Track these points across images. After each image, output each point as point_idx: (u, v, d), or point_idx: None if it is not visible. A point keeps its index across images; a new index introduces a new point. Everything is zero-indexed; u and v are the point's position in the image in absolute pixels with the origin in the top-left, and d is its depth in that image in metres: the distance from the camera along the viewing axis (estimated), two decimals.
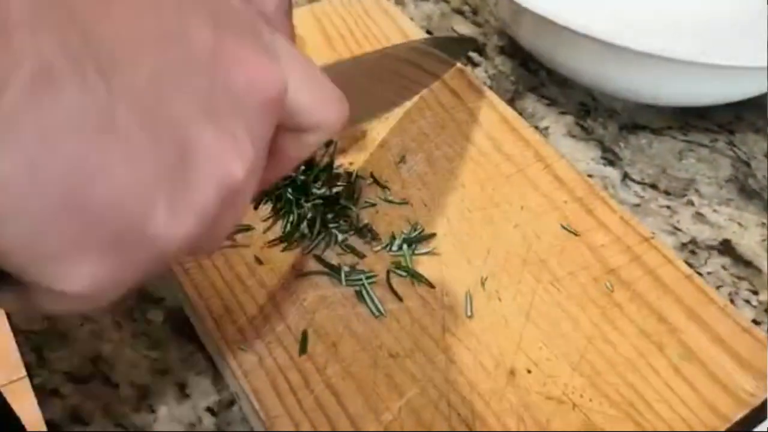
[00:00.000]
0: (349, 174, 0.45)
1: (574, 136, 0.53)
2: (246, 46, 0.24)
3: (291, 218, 0.42)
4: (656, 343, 0.38)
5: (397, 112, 0.49)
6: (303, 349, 0.37)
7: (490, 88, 0.56)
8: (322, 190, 0.43)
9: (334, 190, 0.43)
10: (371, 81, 0.41)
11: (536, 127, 0.53)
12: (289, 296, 0.39)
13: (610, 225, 0.43)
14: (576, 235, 0.43)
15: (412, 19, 0.62)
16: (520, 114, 0.54)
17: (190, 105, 0.23)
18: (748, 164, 0.52)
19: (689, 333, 0.38)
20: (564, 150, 0.52)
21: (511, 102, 0.55)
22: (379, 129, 0.48)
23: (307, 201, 0.42)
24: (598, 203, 0.44)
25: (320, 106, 0.28)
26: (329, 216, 0.42)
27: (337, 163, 0.46)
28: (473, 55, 0.59)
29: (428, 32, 0.61)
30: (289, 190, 0.43)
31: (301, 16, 0.56)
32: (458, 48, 0.54)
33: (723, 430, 0.35)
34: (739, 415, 0.35)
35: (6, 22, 0.19)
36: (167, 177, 0.22)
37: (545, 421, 0.35)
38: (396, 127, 0.48)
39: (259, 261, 0.40)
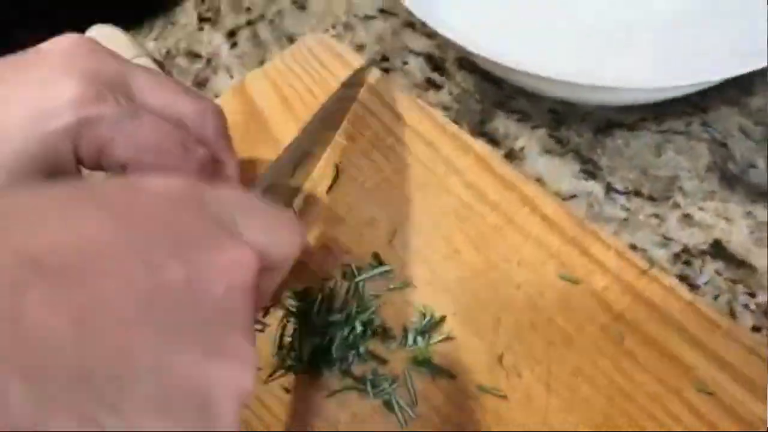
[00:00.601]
0: (350, 270, 0.46)
1: (549, 152, 0.53)
2: (212, 250, 0.26)
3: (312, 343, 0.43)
4: (673, 389, 0.40)
5: (377, 179, 0.49)
6: None
7: (457, 111, 0.56)
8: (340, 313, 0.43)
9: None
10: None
11: (511, 151, 0.54)
12: (324, 422, 0.41)
13: (606, 263, 0.45)
14: (576, 283, 0.44)
15: (363, 46, 0.60)
16: (493, 137, 0.54)
17: (193, 347, 0.24)
18: (725, 145, 0.52)
19: (702, 368, 0.41)
20: (542, 171, 0.52)
21: (481, 124, 0.55)
22: (357, 197, 0.49)
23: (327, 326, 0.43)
24: (591, 240, 0.45)
25: (279, 247, 0.30)
26: (356, 330, 0.43)
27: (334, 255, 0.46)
28: (434, 76, 0.58)
29: (384, 57, 0.60)
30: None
31: (254, 81, 0.55)
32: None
33: None
34: None
35: None
36: (193, 426, 0.24)
37: None
38: (378, 197, 0.49)
39: (287, 390, 0.42)
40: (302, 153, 0.48)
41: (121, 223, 0.24)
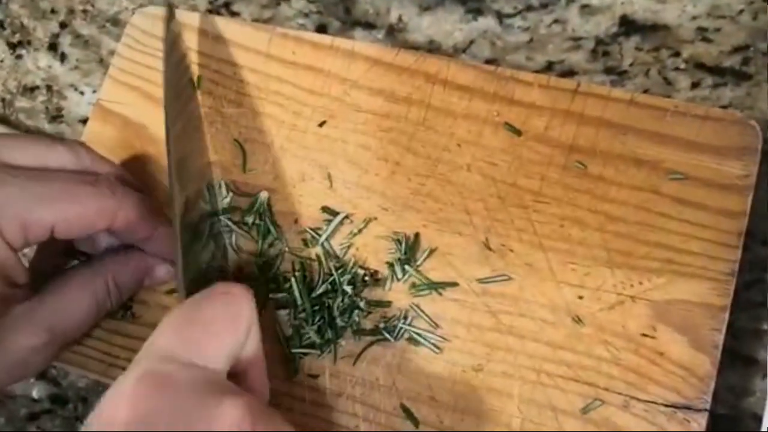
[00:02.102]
0: (310, 235, 0.44)
1: (426, 9, 0.50)
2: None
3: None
4: (651, 189, 0.41)
5: (284, 134, 0.46)
6: (415, 422, 0.40)
7: (318, 13, 0.52)
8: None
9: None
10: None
11: (390, 26, 0.50)
12: (362, 386, 0.41)
13: (536, 101, 0.43)
14: (519, 134, 0.43)
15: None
16: (366, 20, 0.51)
17: None
18: None
19: (667, 158, 0.41)
20: (430, 32, 0.49)
21: (347, 13, 0.51)
22: (276, 161, 0.46)
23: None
24: (512, 86, 0.44)
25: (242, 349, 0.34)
26: (346, 290, 0.42)
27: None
28: None
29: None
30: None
31: (109, 94, 0.50)
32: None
33: (744, 227, 0.39)
34: (747, 204, 0.39)
35: None
36: None
37: (622, 328, 0.39)
38: (296, 150, 0.46)
39: (314, 376, 0.42)
40: (181, 157, 0.44)
41: None
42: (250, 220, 0.45)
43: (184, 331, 0.32)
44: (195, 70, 0.49)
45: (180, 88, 0.46)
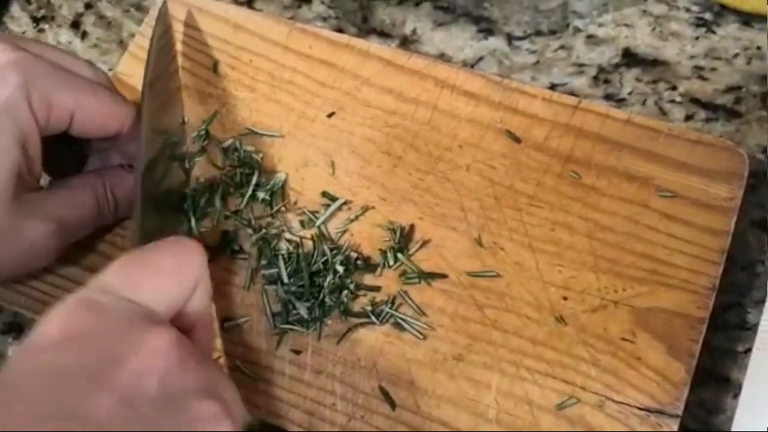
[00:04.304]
0: (307, 217, 0.45)
1: (441, 24, 0.53)
2: (124, 360, 0.29)
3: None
4: (640, 203, 0.42)
5: (292, 121, 0.48)
6: (392, 404, 0.40)
7: (336, 18, 0.54)
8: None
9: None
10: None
11: (405, 37, 0.53)
12: (343, 365, 0.42)
13: (538, 113, 0.45)
14: (519, 142, 0.45)
15: None
16: (381, 30, 0.53)
17: None
18: None
19: (658, 175, 0.43)
20: (441, 46, 0.52)
21: (365, 21, 0.54)
22: (281, 145, 0.47)
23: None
24: (517, 96, 0.46)
25: (187, 288, 0.35)
26: (338, 272, 0.43)
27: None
28: None
29: None
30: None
31: (126, 68, 0.51)
32: None
33: (726, 246, 0.41)
34: (731, 225, 0.41)
35: None
36: None
37: (603, 330, 0.40)
38: (301, 137, 0.47)
39: (297, 352, 0.42)
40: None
41: (36, 399, 0.27)
42: (261, 195, 0.46)
43: (127, 269, 0.33)
44: (214, 54, 0.50)
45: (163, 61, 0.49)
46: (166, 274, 0.34)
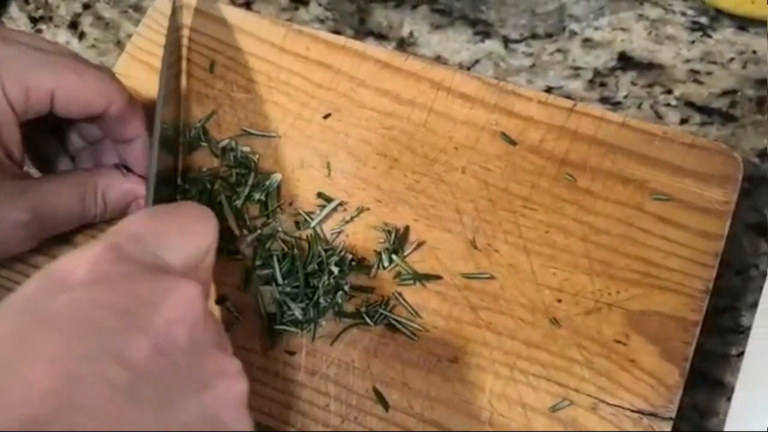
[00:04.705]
0: (303, 218, 0.45)
1: (438, 27, 0.53)
2: (157, 305, 0.29)
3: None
4: (635, 206, 0.42)
5: (289, 121, 0.48)
6: (385, 406, 0.40)
7: (334, 20, 0.54)
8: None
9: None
10: None
11: (402, 40, 0.53)
12: (337, 367, 0.42)
13: (534, 116, 0.45)
14: (514, 144, 0.45)
15: None
16: (378, 32, 0.53)
17: (184, 396, 0.28)
18: None
19: (653, 179, 0.43)
20: (438, 48, 0.52)
21: (362, 24, 0.54)
22: (277, 146, 0.47)
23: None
24: (513, 99, 0.46)
25: (202, 248, 0.35)
26: (333, 273, 0.43)
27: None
28: None
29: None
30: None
31: (123, 68, 0.51)
32: None
33: (720, 249, 0.41)
34: (725, 228, 0.41)
35: None
36: None
37: (597, 333, 0.40)
38: (298, 138, 0.47)
39: (291, 353, 0.42)
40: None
41: (72, 336, 0.26)
42: (257, 196, 0.46)
43: (156, 221, 0.34)
44: (211, 55, 0.50)
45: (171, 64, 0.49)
46: (192, 232, 0.34)
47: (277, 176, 0.46)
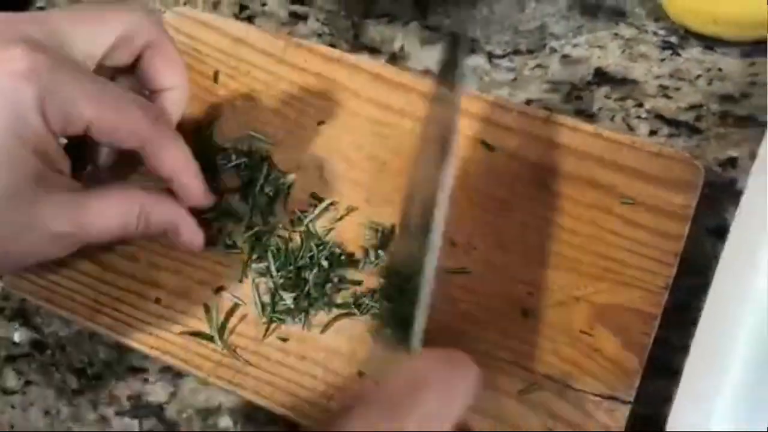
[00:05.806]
0: (297, 216, 0.49)
1: (428, 42, 0.56)
2: None
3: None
4: (604, 209, 0.46)
5: (287, 129, 0.52)
6: None
7: (330, 35, 0.58)
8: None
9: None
10: None
11: (393, 54, 0.57)
12: (325, 352, 0.45)
13: (512, 124, 0.49)
14: (493, 150, 0.49)
15: (219, 2, 0.61)
16: (372, 46, 0.57)
17: None
18: None
19: (620, 184, 0.46)
20: (428, 62, 0.56)
21: (356, 38, 0.58)
22: (277, 151, 0.51)
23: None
24: (492, 109, 0.50)
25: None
26: (324, 267, 0.47)
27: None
28: (296, 8, 0.60)
29: (243, 6, 0.61)
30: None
31: None
32: None
33: (680, 249, 0.44)
34: (685, 230, 0.44)
35: None
36: None
37: (565, 324, 0.44)
38: (295, 144, 0.51)
39: (284, 339, 0.46)
40: None
41: None
42: (257, 195, 0.49)
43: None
44: (215, 65, 0.54)
45: None
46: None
47: (291, 176, 0.50)
